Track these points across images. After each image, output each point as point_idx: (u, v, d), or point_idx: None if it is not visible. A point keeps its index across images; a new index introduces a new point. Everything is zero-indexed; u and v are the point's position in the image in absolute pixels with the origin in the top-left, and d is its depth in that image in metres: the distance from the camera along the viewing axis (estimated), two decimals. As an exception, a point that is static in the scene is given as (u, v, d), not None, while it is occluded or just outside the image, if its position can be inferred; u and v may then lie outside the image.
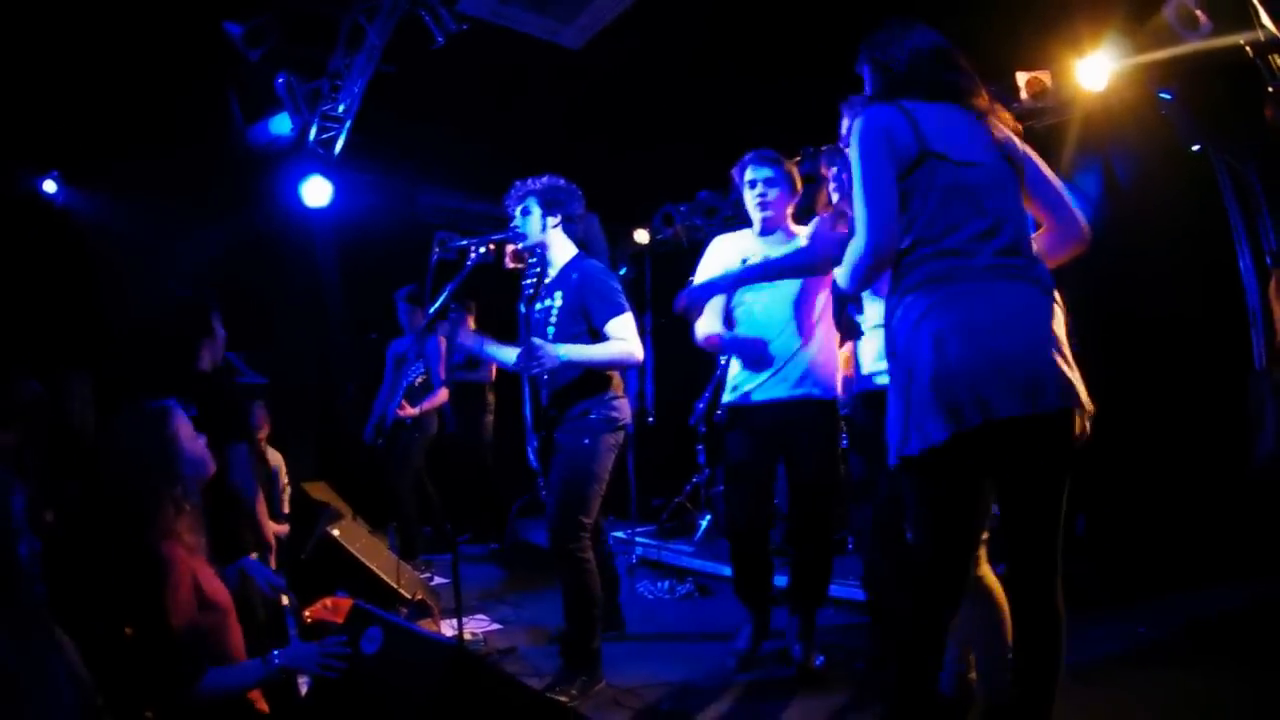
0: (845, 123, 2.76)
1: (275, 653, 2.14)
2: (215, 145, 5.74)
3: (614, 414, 3.32)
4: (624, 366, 3.38)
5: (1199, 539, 4.39)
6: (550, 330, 3.33)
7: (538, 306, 3.42)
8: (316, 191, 5.98)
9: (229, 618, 2.26)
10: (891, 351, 2.02)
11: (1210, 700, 2.79)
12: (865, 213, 1.97)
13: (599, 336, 3.24)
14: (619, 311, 3.24)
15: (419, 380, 5.41)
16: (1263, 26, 2.95)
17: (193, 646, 2.07)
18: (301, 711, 2.31)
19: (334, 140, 6.11)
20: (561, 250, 3.44)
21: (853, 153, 2.02)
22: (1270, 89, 3.16)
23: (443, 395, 5.53)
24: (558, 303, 3.35)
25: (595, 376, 3.30)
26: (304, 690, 2.33)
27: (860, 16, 2.09)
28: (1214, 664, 3.10)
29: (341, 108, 5.96)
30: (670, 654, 3.69)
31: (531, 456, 3.45)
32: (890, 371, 2.02)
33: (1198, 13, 3.21)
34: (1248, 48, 3.17)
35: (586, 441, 3.25)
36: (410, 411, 5.36)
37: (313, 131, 5.98)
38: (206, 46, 5.04)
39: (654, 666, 3.49)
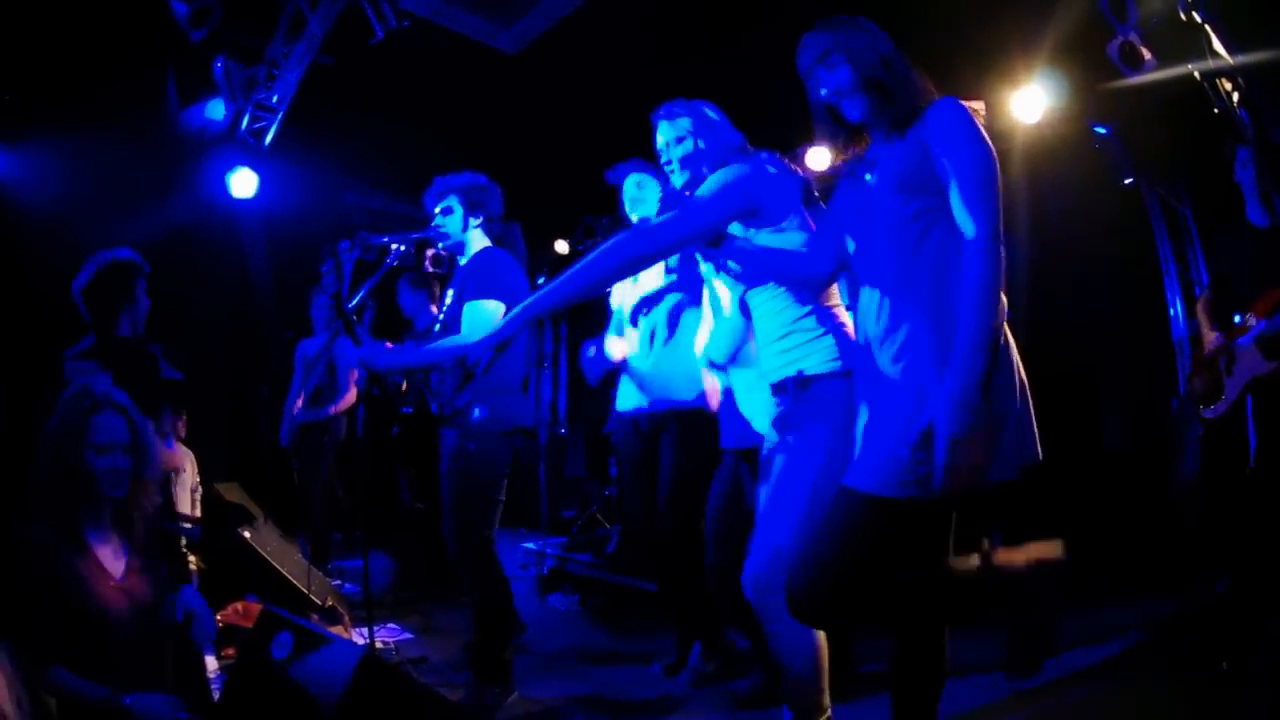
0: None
1: (127, 698, 2.10)
2: (146, 125, 5.62)
3: (504, 413, 3.24)
4: (459, 361, 3.20)
5: (1125, 556, 4.61)
6: (436, 327, 3.37)
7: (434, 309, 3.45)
8: (243, 183, 5.89)
9: (115, 625, 2.22)
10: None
11: (1144, 707, 2.91)
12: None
13: None
14: (486, 296, 3.18)
15: (326, 383, 5.35)
16: (1214, 54, 3.03)
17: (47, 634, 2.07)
18: (213, 714, 2.31)
19: (265, 130, 6.04)
20: (476, 249, 3.43)
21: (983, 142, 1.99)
22: (1216, 110, 3.33)
23: (350, 398, 5.39)
24: (449, 299, 3.37)
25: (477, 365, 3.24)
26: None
27: (795, 35, 2.16)
28: (1146, 672, 3.25)
29: (276, 97, 5.90)
30: (581, 667, 3.75)
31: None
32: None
33: (1143, 50, 3.29)
34: (1196, 74, 3.27)
35: (473, 447, 3.18)
36: (316, 416, 5.29)
37: (245, 120, 5.91)
38: (149, 21, 4.93)
39: (565, 680, 3.55)
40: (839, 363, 2.26)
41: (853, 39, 2.05)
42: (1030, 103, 5.14)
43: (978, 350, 1.81)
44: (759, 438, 2.56)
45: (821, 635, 2.31)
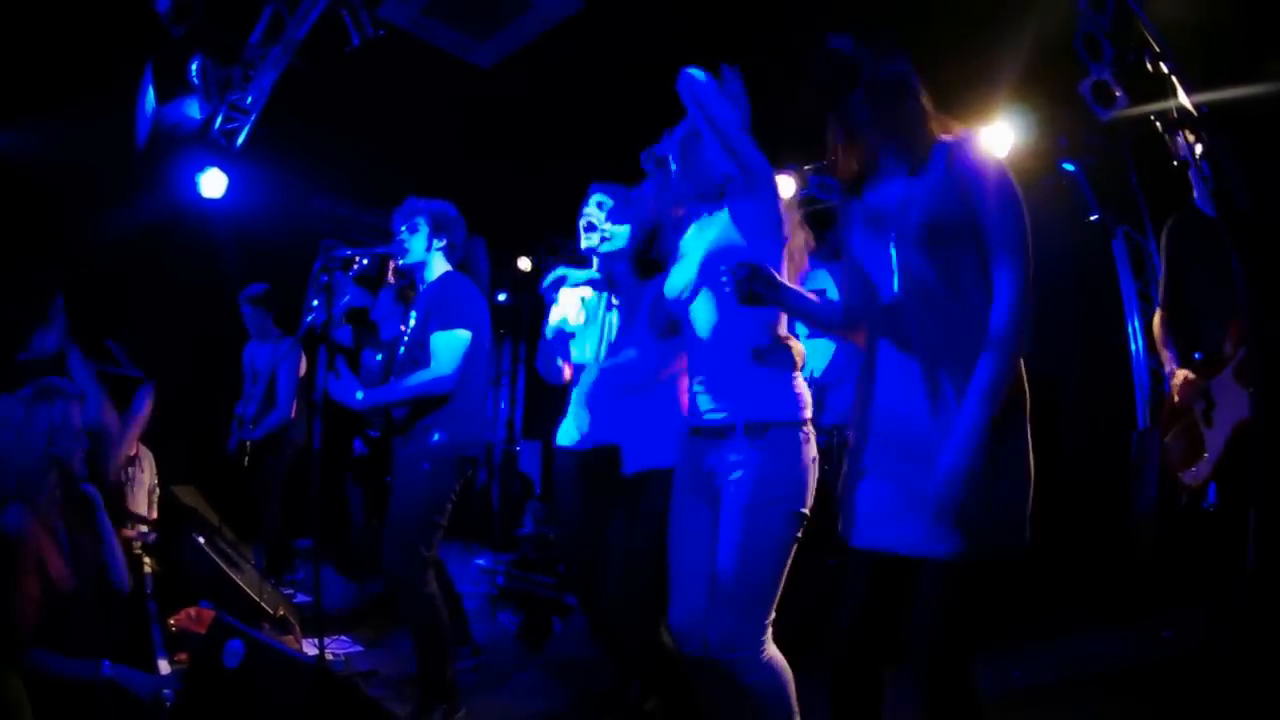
0: None
1: (107, 663, 2.21)
2: (121, 120, 5.68)
3: (459, 439, 3.32)
4: (431, 396, 3.30)
5: (1078, 585, 4.80)
6: (400, 350, 3.45)
7: (403, 328, 3.51)
8: (213, 183, 5.98)
9: (68, 602, 2.34)
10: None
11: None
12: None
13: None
14: (454, 325, 3.29)
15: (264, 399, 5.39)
16: (1177, 100, 3.05)
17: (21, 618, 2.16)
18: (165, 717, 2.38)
19: (237, 131, 6.11)
20: (437, 273, 3.54)
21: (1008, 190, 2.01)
22: (1176, 163, 3.40)
23: (287, 414, 5.38)
24: (412, 321, 3.46)
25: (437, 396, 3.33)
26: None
27: (768, 61, 2.24)
28: (1090, 703, 3.34)
29: (250, 99, 5.96)
30: (530, 685, 3.83)
31: (359, 443, 3.44)
32: (998, 448, 1.93)
33: (1115, 90, 3.38)
34: (1158, 123, 3.25)
35: (426, 467, 3.25)
36: (255, 435, 5.30)
37: (218, 120, 5.98)
38: (131, 16, 4.98)
39: (514, 697, 3.64)
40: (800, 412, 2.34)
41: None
42: (997, 138, 5.28)
43: (990, 399, 1.86)
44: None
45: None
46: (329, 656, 3.78)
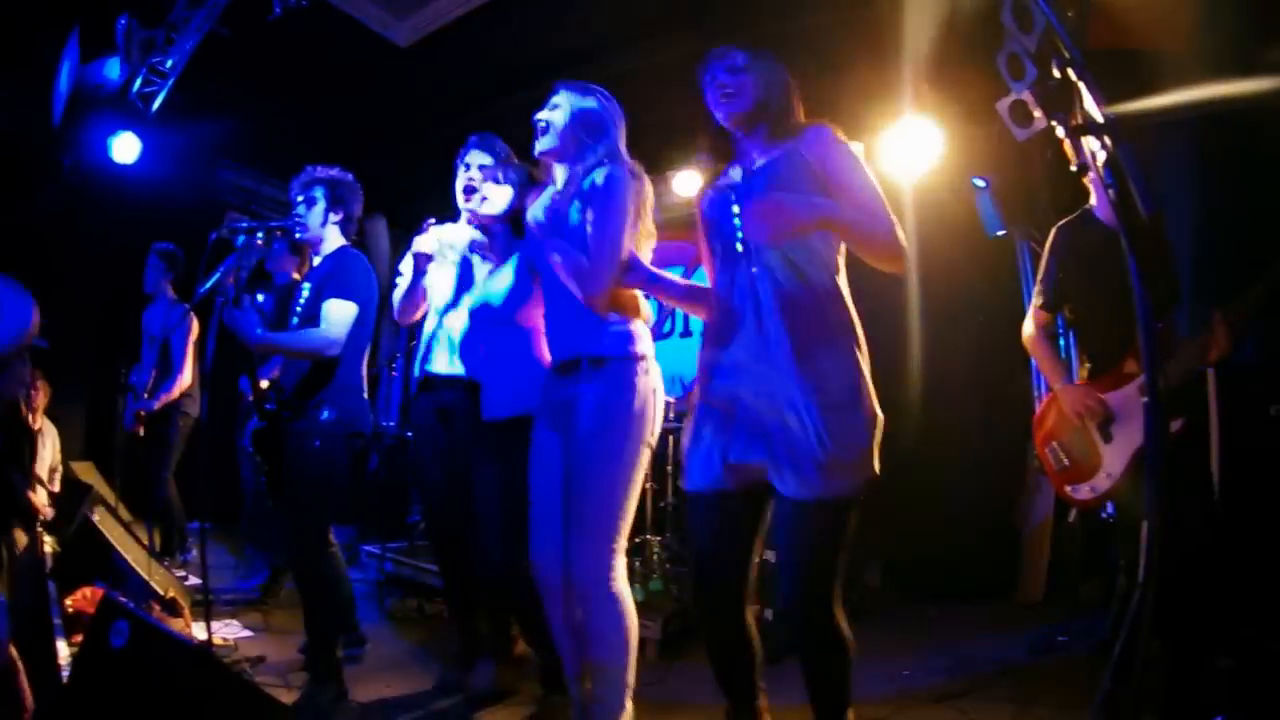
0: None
1: None
2: (42, 80, 5.62)
3: (349, 416, 3.43)
4: (315, 355, 3.39)
5: (971, 590, 5.08)
6: (294, 320, 3.52)
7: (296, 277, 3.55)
8: (126, 148, 5.96)
9: None
10: (843, 372, 2.26)
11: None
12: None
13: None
14: (345, 296, 3.39)
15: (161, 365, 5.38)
16: (1084, 111, 3.02)
17: None
18: (61, 697, 2.44)
19: (154, 96, 6.07)
20: (332, 246, 3.62)
21: (858, 158, 2.35)
22: (1075, 168, 3.52)
23: (184, 381, 5.41)
24: (305, 293, 3.54)
25: (329, 364, 3.42)
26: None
27: (679, 56, 2.47)
28: (983, 705, 3.42)
29: (170, 62, 5.93)
30: (416, 672, 3.90)
31: (247, 440, 3.53)
32: (848, 395, 2.25)
33: (1035, 110, 3.33)
34: (1059, 129, 3.22)
35: (317, 444, 3.34)
36: (151, 406, 5.29)
37: (137, 83, 5.95)
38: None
39: (401, 684, 3.70)
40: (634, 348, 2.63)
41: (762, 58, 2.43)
42: (909, 149, 5.56)
43: (848, 219, 2.22)
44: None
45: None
46: (218, 641, 3.83)
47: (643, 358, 2.65)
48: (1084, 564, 5.05)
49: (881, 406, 2.32)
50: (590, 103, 2.74)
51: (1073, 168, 3.32)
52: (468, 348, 3.42)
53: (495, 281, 3.29)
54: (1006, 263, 5.82)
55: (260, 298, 4.18)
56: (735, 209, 2.39)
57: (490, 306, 3.24)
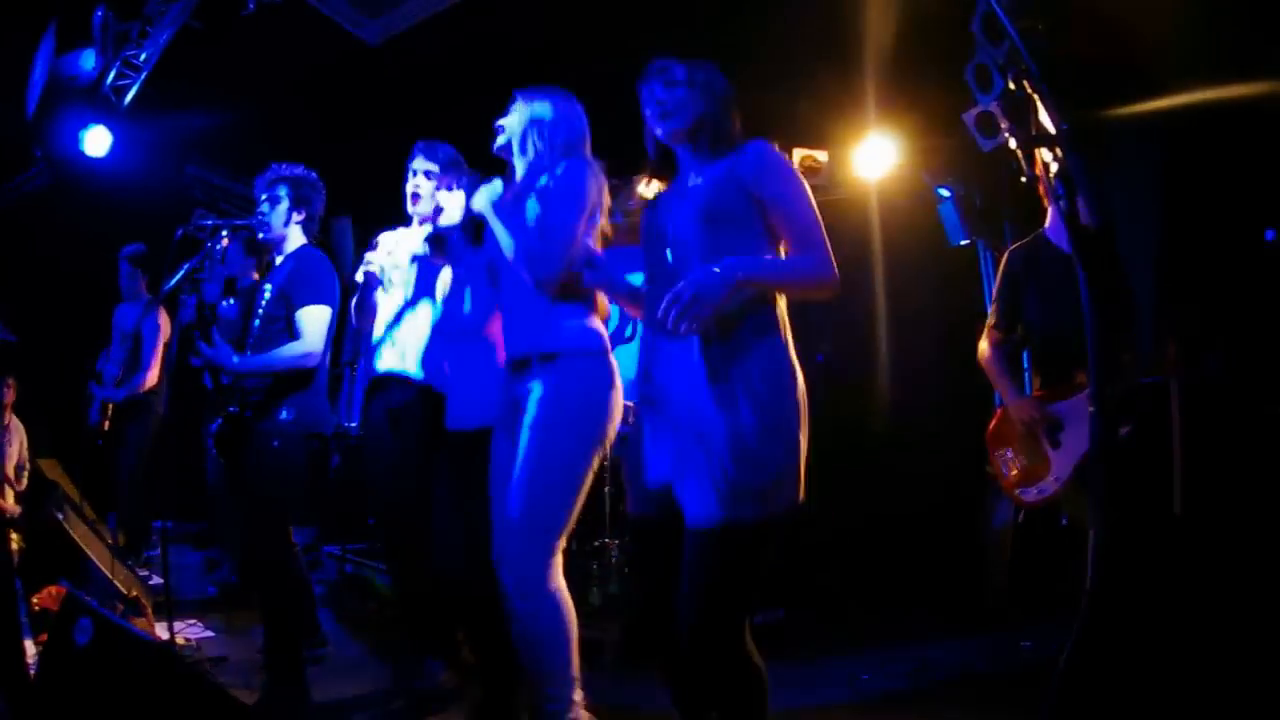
0: None
1: None
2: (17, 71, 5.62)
3: (308, 417, 3.47)
4: (298, 368, 3.45)
5: (933, 596, 5.15)
6: (256, 322, 3.54)
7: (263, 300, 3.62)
8: (97, 141, 5.95)
9: None
10: (759, 390, 2.10)
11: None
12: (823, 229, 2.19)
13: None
14: (318, 301, 3.45)
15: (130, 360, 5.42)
16: (1038, 123, 3.12)
17: None
18: (29, 694, 2.46)
19: (127, 89, 6.09)
20: (294, 245, 3.66)
21: (796, 179, 2.24)
22: (1024, 179, 3.55)
23: (151, 378, 5.45)
24: (268, 294, 3.56)
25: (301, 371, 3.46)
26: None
27: (642, 51, 2.42)
28: (944, 710, 3.47)
29: (144, 56, 5.96)
30: (375, 673, 3.93)
31: (210, 442, 3.53)
32: (761, 415, 2.08)
33: (1002, 121, 3.40)
34: (1012, 140, 3.29)
35: (277, 444, 3.37)
36: (116, 397, 5.34)
37: (111, 75, 5.96)
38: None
39: (359, 684, 3.75)
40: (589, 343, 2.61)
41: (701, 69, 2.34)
42: (873, 158, 5.65)
43: (772, 275, 2.14)
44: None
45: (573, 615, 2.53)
46: (180, 641, 3.86)
47: (598, 354, 2.63)
48: (1046, 570, 5.16)
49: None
50: (545, 105, 2.77)
51: (1023, 179, 3.40)
52: (431, 359, 3.47)
53: (456, 291, 3.33)
54: (970, 270, 5.92)
55: (228, 303, 4.22)
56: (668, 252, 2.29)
57: (454, 318, 3.28)
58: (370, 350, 3.68)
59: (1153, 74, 3.75)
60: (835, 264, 2.17)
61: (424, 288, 3.57)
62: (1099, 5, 3.71)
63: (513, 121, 2.78)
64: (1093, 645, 2.42)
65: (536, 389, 2.58)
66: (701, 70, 2.34)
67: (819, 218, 2.20)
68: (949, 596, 5.21)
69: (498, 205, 2.69)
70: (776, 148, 2.28)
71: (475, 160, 3.50)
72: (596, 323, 2.69)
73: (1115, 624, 2.70)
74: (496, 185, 2.78)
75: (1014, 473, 3.47)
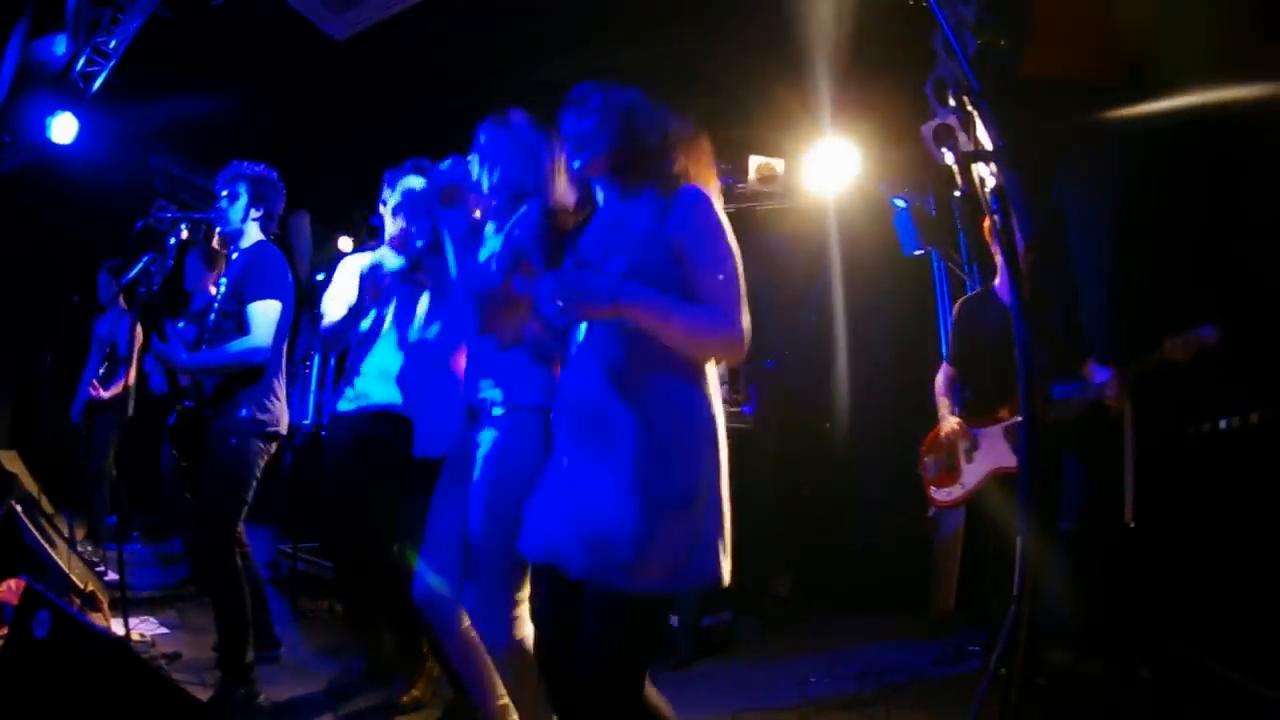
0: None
1: None
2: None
3: (265, 415, 3.51)
4: (247, 363, 3.46)
5: (883, 600, 5.27)
6: (211, 317, 3.59)
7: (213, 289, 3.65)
8: (63, 128, 5.95)
9: None
10: (667, 449, 1.98)
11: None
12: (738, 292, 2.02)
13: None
14: (268, 296, 3.48)
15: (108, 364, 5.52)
16: (976, 138, 3.13)
17: None
18: None
19: (95, 76, 6.07)
20: (250, 241, 3.70)
21: (717, 236, 2.05)
22: (958, 194, 3.63)
23: (126, 381, 5.37)
24: (222, 289, 3.61)
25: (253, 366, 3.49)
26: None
27: (600, 57, 2.40)
28: (891, 713, 3.51)
29: (114, 43, 5.96)
30: (327, 671, 3.96)
31: (166, 437, 3.57)
32: (664, 473, 1.97)
33: (960, 133, 3.44)
34: (949, 155, 3.32)
35: (234, 442, 3.42)
36: (100, 394, 5.46)
37: (80, 62, 5.96)
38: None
39: (312, 683, 3.78)
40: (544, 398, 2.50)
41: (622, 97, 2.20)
42: (830, 167, 5.74)
43: (658, 313, 1.95)
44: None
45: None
46: (134, 637, 3.87)
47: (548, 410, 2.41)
48: (995, 575, 5.27)
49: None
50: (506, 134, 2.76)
51: (956, 193, 3.51)
52: (402, 385, 3.53)
53: (428, 320, 3.41)
54: (924, 281, 6.03)
55: (181, 325, 4.28)
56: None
57: (427, 345, 3.35)
58: (352, 367, 3.71)
59: (1120, 86, 3.85)
60: (743, 327, 2.00)
61: (402, 313, 3.64)
62: (1071, 18, 3.80)
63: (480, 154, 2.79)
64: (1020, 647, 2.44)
65: (491, 443, 2.55)
66: (622, 96, 2.20)
67: (736, 278, 2.03)
68: (899, 600, 5.32)
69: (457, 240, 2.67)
70: (710, 196, 2.11)
71: (437, 158, 3.56)
72: (554, 375, 2.52)
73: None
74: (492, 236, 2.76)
75: (934, 475, 4.11)
